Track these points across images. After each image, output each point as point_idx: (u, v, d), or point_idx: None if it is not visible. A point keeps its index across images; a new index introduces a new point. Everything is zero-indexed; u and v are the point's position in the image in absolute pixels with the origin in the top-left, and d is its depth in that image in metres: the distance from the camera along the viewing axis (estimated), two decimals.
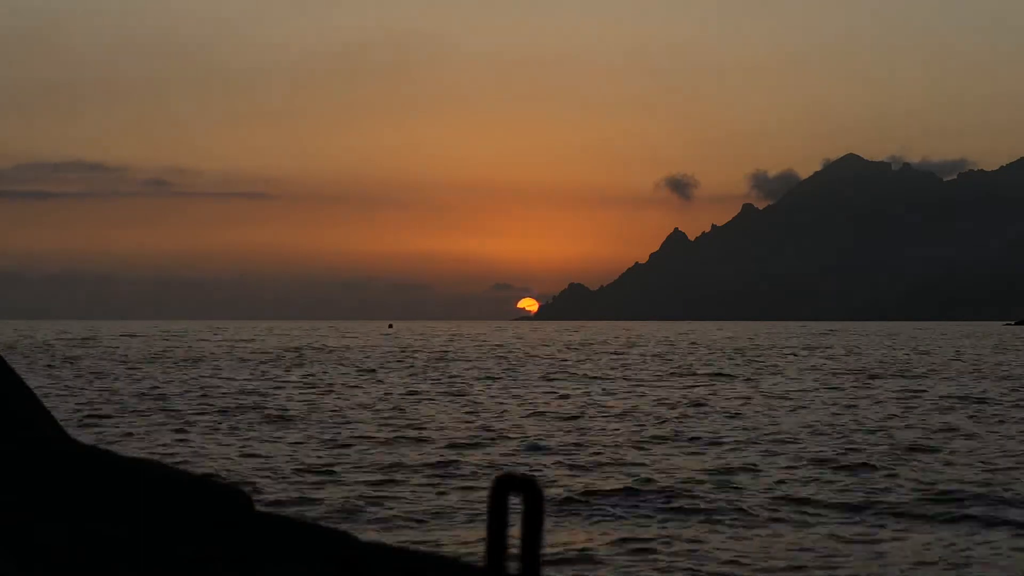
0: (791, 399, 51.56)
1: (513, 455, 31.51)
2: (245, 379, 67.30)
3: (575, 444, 33.80)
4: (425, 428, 38.43)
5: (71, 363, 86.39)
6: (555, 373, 74.91)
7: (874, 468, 28.79)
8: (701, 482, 26.66)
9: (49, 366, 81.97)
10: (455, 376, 71.14)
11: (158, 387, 59.16)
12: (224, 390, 57.20)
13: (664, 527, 21.40)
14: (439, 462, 29.80)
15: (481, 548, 18.54)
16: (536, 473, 27.97)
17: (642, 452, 32.27)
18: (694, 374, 73.74)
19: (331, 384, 62.81)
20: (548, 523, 20.83)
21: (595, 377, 70.47)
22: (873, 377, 70.05)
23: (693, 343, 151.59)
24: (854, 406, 47.70)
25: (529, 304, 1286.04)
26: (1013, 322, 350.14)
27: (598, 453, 31.68)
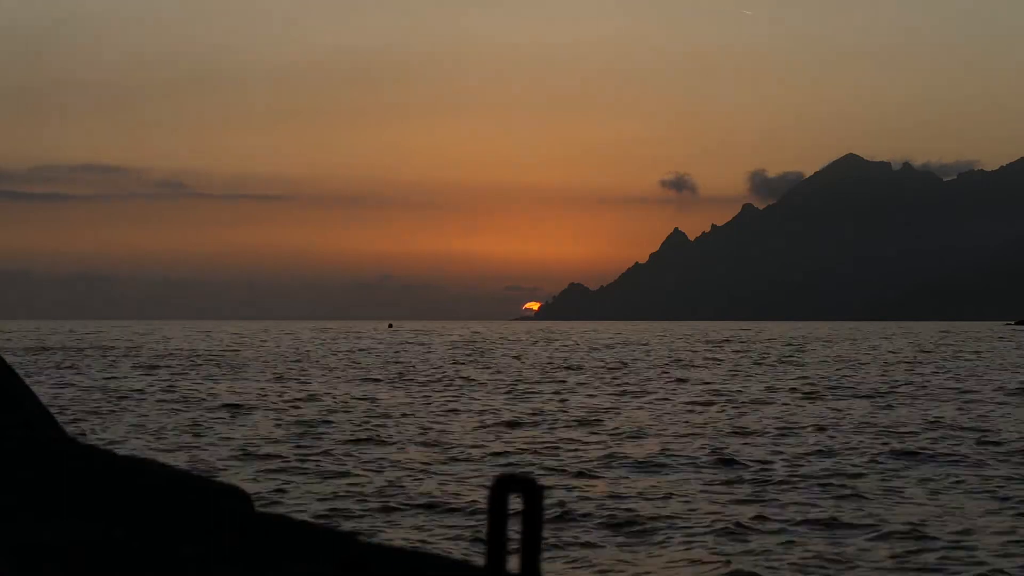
0: None
1: None
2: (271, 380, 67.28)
3: None
4: None
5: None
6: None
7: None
8: None
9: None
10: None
11: (172, 385, 59.17)
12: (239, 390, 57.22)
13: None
14: None
15: (481, 548, 18.54)
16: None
17: None
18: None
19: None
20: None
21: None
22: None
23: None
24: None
25: (532, 304, 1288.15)
26: (1013, 322, 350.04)
27: None
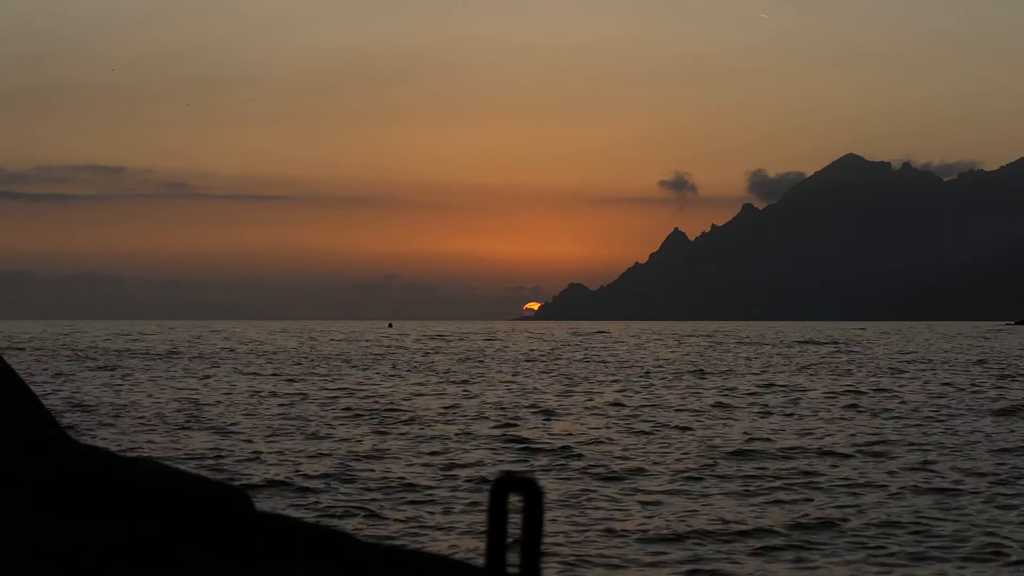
0: None
1: None
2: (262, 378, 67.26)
3: None
4: None
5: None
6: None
7: None
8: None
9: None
10: None
11: (166, 387, 59.17)
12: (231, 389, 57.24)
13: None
14: None
15: (481, 548, 18.53)
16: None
17: None
18: None
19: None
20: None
21: None
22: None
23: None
24: None
25: (532, 304, 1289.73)
26: (1013, 322, 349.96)
27: None
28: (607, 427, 39.26)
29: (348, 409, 45.97)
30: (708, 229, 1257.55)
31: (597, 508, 23.24)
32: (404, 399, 51.48)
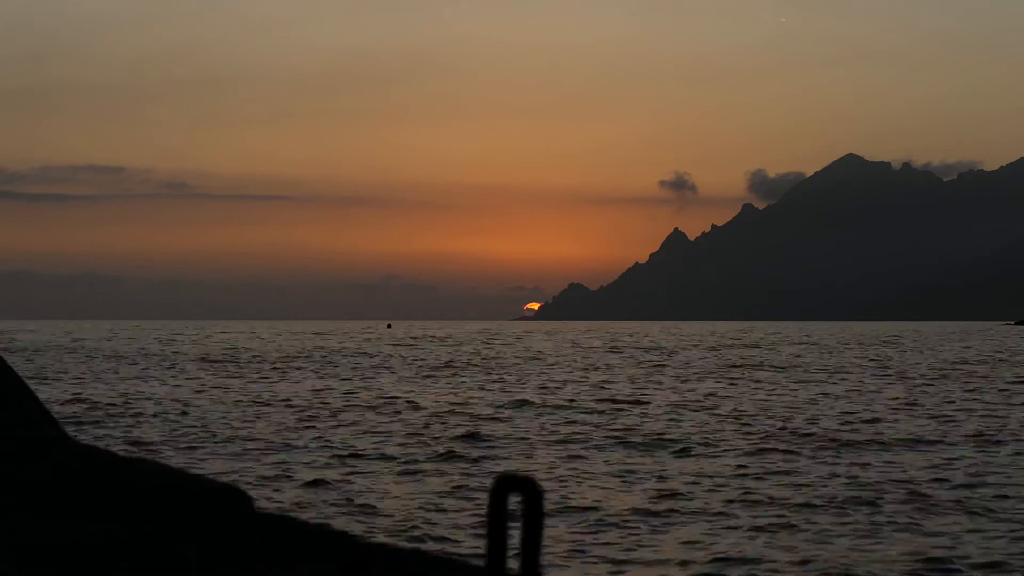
0: None
1: None
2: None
3: None
4: None
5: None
6: None
7: None
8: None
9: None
10: None
11: (158, 387, 59.18)
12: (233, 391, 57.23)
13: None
14: None
15: (481, 548, 18.53)
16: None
17: None
18: None
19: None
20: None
21: None
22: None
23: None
24: None
25: (532, 304, 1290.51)
26: (1013, 322, 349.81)
27: None
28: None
29: (350, 409, 45.99)
30: (708, 229, 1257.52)
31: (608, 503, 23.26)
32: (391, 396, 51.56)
